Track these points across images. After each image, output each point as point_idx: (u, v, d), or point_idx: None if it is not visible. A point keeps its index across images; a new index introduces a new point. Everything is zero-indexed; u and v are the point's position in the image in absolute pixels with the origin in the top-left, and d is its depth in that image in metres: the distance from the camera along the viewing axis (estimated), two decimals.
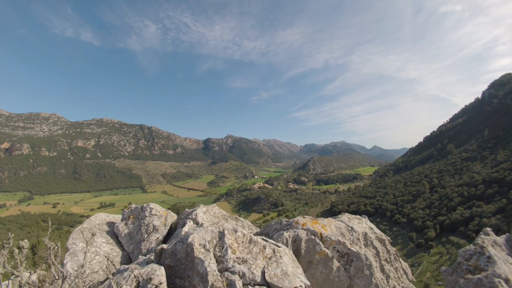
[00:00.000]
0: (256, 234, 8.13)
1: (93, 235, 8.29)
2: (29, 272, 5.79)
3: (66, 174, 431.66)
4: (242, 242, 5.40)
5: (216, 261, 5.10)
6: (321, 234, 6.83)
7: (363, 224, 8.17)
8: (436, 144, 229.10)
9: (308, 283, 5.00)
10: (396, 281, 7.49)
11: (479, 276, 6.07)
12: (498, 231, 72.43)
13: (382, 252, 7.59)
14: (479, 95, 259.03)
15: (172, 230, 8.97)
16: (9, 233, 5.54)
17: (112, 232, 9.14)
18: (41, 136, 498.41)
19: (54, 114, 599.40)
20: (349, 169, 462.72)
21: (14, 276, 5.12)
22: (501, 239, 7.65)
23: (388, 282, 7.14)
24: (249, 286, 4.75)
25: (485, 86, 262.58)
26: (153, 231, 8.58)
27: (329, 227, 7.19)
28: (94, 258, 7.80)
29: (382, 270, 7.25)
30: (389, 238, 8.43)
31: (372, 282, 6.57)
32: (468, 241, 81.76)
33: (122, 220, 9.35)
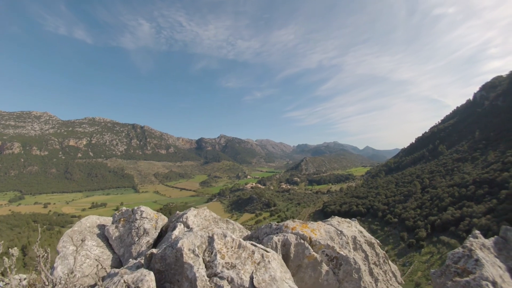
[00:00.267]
0: (246, 238, 8.17)
1: (83, 238, 8.29)
2: (19, 280, 5.75)
3: (57, 174, 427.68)
4: (231, 247, 5.43)
5: (205, 266, 5.13)
6: (310, 238, 6.89)
7: (352, 228, 8.24)
8: (428, 145, 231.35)
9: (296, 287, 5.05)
10: (385, 284, 7.57)
11: (467, 279, 6.16)
12: (488, 231, 73.62)
13: (371, 255, 7.66)
14: (471, 97, 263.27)
15: (163, 233, 8.96)
16: None
17: (103, 235, 9.09)
18: (32, 135, 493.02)
19: (46, 113, 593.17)
20: (342, 169, 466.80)
21: (4, 283, 5.10)
22: (489, 241, 7.74)
23: (376, 285, 7.22)
24: None
25: (476, 88, 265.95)
26: (143, 234, 8.57)
27: (319, 231, 7.25)
28: (85, 261, 7.76)
29: (371, 273, 7.33)
30: (378, 241, 8.50)
31: (361, 286, 6.64)
32: (459, 240, 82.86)
33: (112, 223, 9.30)
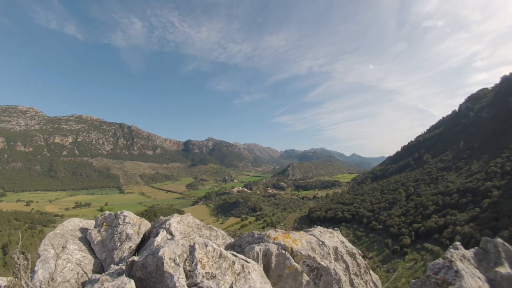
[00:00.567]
0: (229, 245, 8.21)
1: (65, 241, 8.20)
2: None
3: (41, 171, 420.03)
4: (212, 257, 5.46)
5: (186, 276, 5.14)
6: (291, 248, 6.95)
7: (334, 238, 8.33)
8: (413, 153, 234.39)
9: None
10: None
11: None
12: (471, 239, 74.75)
13: (352, 266, 7.76)
14: (456, 108, 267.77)
15: (146, 238, 8.92)
16: None
17: (85, 238, 8.99)
18: (17, 130, 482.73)
19: (32, 108, 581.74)
20: (328, 175, 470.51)
21: None
22: (470, 252, 7.91)
23: None
24: None
25: (462, 99, 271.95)
26: (126, 239, 8.51)
27: (300, 241, 7.32)
28: (66, 265, 7.66)
29: (352, 283, 7.43)
30: (360, 252, 8.61)
31: None
32: (442, 248, 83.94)
33: (95, 227, 9.22)
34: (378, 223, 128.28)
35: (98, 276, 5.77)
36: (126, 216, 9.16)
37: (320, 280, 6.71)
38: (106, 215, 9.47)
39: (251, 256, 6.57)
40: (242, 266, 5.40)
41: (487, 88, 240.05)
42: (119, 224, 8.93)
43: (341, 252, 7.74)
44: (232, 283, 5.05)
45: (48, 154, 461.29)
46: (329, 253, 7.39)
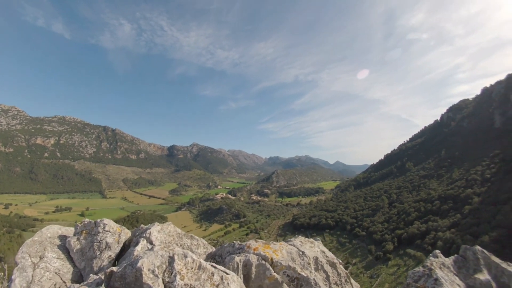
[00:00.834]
0: (210, 255, 8.19)
1: (44, 249, 8.02)
2: None
3: (21, 173, 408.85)
4: (192, 268, 5.44)
5: (165, 287, 5.13)
6: (272, 259, 6.98)
7: (315, 248, 8.39)
8: (396, 161, 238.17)
9: None
10: None
11: None
12: (452, 244, 76.14)
13: (332, 275, 7.81)
14: (438, 118, 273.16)
15: (126, 247, 8.80)
16: None
17: (64, 246, 8.80)
18: None
19: (14, 107, 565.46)
20: (312, 183, 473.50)
21: None
22: (449, 260, 8.04)
23: None
24: None
25: (444, 110, 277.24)
26: (105, 248, 8.39)
27: (280, 251, 7.36)
28: (44, 274, 7.49)
29: None
30: (340, 261, 8.68)
31: None
32: (424, 253, 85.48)
33: (74, 235, 9.04)
34: (362, 229, 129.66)
35: (76, 286, 5.70)
36: (106, 224, 9.04)
37: None
38: (86, 222, 9.32)
39: (231, 267, 6.58)
40: (221, 278, 5.40)
41: (468, 99, 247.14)
42: (98, 232, 8.80)
43: (321, 262, 7.80)
44: None
45: (29, 156, 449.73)
46: (309, 263, 7.44)
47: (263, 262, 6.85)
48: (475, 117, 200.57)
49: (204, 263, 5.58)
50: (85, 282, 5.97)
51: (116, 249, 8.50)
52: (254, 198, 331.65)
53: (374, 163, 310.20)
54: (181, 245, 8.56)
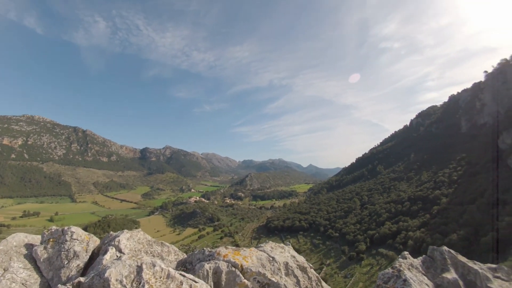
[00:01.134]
0: (180, 262, 8.14)
1: (9, 260, 7.70)
2: None
3: None
4: (160, 277, 5.41)
5: None
6: (241, 265, 7.03)
7: (285, 253, 8.50)
8: (367, 165, 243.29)
9: None
10: None
11: None
12: (422, 243, 78.68)
13: (302, 280, 7.93)
14: (408, 123, 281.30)
15: (95, 255, 8.59)
16: None
17: (31, 255, 8.46)
18: None
19: None
20: (285, 186, 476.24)
21: None
22: (417, 261, 8.33)
23: None
24: None
25: (413, 115, 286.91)
26: (73, 257, 8.16)
27: (250, 258, 7.42)
28: (11, 286, 7.15)
29: None
30: (311, 265, 8.82)
31: None
32: (396, 252, 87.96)
33: (41, 243, 8.71)
34: (335, 231, 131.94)
35: None
36: (74, 232, 8.79)
37: None
38: (53, 230, 9.03)
39: (201, 274, 6.58)
40: (190, 286, 5.40)
41: (436, 106, 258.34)
42: (66, 240, 8.55)
43: (291, 267, 7.90)
44: None
45: None
46: (279, 269, 7.53)
47: (233, 269, 6.89)
48: (442, 123, 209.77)
49: (173, 272, 5.55)
50: None
51: (85, 258, 8.28)
52: (228, 201, 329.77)
53: (346, 166, 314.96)
54: (151, 253, 8.46)
